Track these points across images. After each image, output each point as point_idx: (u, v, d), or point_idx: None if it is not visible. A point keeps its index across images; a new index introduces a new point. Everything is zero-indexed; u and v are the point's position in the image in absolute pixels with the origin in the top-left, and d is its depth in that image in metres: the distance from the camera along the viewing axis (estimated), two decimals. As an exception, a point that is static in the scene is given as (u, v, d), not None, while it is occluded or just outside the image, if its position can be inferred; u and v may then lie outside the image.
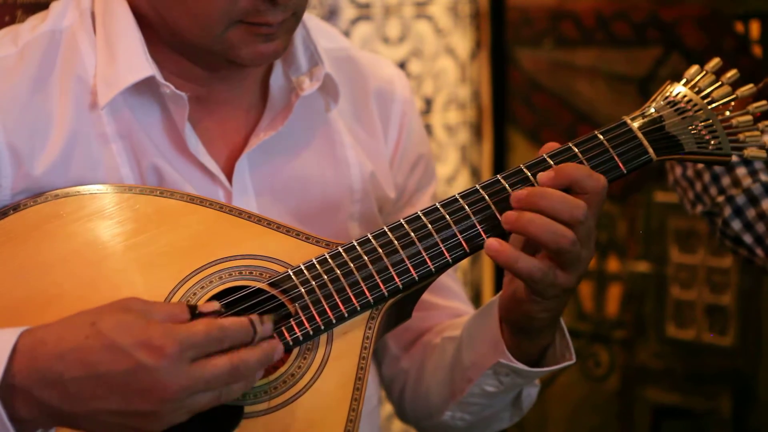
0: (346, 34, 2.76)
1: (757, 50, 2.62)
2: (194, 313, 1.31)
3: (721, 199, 1.98)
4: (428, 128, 2.95)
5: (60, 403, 1.26)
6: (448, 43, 2.97)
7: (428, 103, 2.95)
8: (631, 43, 2.84)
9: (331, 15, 2.73)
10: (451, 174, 3.00)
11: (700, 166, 2.03)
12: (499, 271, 3.10)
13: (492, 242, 1.42)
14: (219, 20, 1.47)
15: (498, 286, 2.95)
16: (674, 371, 2.85)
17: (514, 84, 3.05)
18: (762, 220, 1.94)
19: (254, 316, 1.31)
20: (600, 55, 2.90)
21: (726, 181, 1.99)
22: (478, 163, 3.07)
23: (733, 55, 2.66)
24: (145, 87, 1.54)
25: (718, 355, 2.77)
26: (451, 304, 1.78)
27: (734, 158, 1.50)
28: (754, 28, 2.63)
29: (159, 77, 1.53)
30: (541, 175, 1.44)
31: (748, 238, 1.96)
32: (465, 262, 3.04)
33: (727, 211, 1.97)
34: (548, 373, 1.58)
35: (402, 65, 2.87)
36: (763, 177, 1.97)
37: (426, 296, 1.68)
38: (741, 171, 1.98)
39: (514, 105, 3.06)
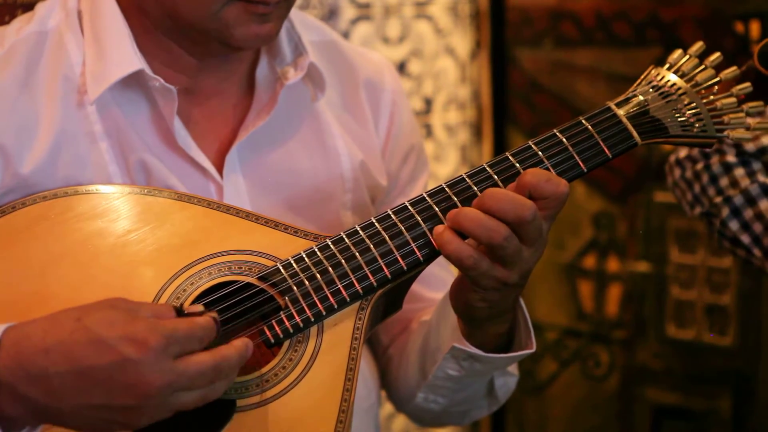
0: (346, 34, 2.76)
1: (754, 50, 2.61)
2: (180, 313, 1.32)
3: (719, 200, 1.98)
4: (428, 128, 2.96)
5: (44, 399, 1.26)
6: (448, 43, 2.98)
7: (428, 103, 2.95)
8: (631, 43, 2.84)
9: (331, 15, 2.74)
10: (451, 174, 3.01)
11: (699, 167, 2.03)
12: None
13: (437, 227, 1.43)
14: None
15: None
16: (674, 371, 2.85)
17: (514, 84, 3.06)
18: (759, 221, 1.94)
19: (213, 314, 1.32)
20: (600, 55, 2.90)
21: (724, 182, 1.99)
22: (478, 163, 3.06)
23: (733, 55, 2.66)
24: (133, 81, 1.55)
25: (718, 355, 2.77)
26: (441, 295, 1.78)
27: (719, 140, 1.51)
28: (754, 28, 2.63)
29: (148, 70, 1.53)
30: (492, 191, 1.43)
31: (745, 239, 1.96)
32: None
33: (725, 211, 1.97)
34: (509, 360, 1.58)
35: (402, 65, 2.88)
36: (761, 178, 1.97)
37: (416, 287, 1.68)
38: (739, 172, 1.98)
39: (514, 105, 3.06)
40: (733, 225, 1.96)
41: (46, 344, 1.26)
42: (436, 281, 1.78)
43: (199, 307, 1.34)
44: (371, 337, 1.82)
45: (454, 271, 1.60)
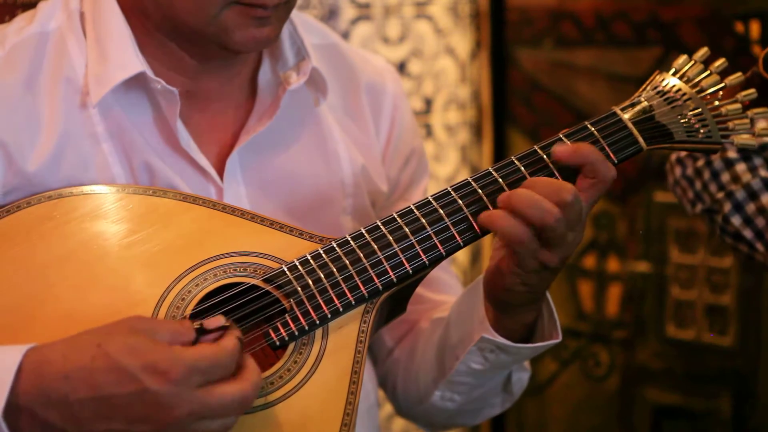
0: (346, 34, 2.76)
1: (757, 50, 2.61)
2: (200, 329, 1.31)
3: (720, 195, 1.98)
4: (428, 128, 2.96)
5: (63, 424, 1.26)
6: (448, 43, 2.97)
7: (428, 103, 2.95)
8: (631, 43, 2.84)
9: (331, 15, 2.74)
10: (451, 174, 3.00)
11: (700, 163, 2.03)
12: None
13: (485, 212, 1.45)
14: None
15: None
16: (674, 371, 2.85)
17: (514, 84, 3.05)
18: (762, 215, 1.94)
19: (237, 332, 1.31)
20: (600, 55, 2.90)
21: (725, 177, 1.99)
22: (478, 163, 3.07)
23: (733, 55, 2.66)
24: (135, 84, 1.55)
25: (718, 355, 2.77)
26: (446, 298, 1.79)
27: (724, 146, 1.51)
28: (754, 28, 2.63)
29: (149, 73, 1.53)
30: (557, 147, 1.46)
31: (748, 233, 1.96)
32: (465, 262, 3.04)
33: (727, 206, 1.97)
34: (534, 351, 1.59)
35: (402, 65, 2.87)
36: (762, 172, 1.97)
37: (420, 290, 1.68)
38: (740, 167, 1.98)
39: (514, 105, 3.06)
40: (736, 220, 1.96)
41: (66, 370, 1.25)
42: (440, 284, 1.78)
43: (220, 320, 1.32)
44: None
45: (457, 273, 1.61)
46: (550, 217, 1.41)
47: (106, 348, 1.25)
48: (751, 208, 1.95)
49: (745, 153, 2.00)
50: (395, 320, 1.60)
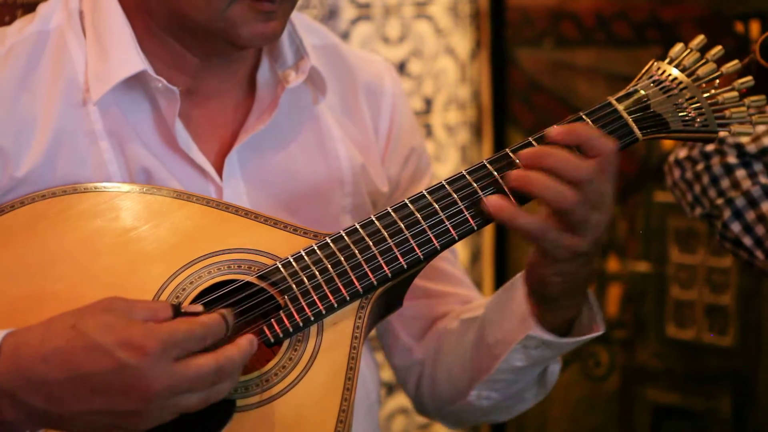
0: (346, 34, 2.76)
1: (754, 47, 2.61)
2: (178, 311, 1.31)
3: (720, 201, 1.97)
4: (428, 128, 2.96)
5: (45, 405, 1.26)
6: (448, 43, 2.98)
7: (428, 103, 2.95)
8: (631, 43, 2.84)
9: (331, 15, 2.74)
10: (451, 174, 2.99)
11: (699, 167, 2.02)
12: (500, 270, 3.10)
13: (493, 199, 1.42)
14: None
15: (498, 286, 2.94)
16: (674, 371, 2.85)
17: (514, 84, 3.05)
18: (762, 223, 1.94)
19: (223, 310, 1.31)
20: (600, 55, 2.90)
21: (725, 183, 1.98)
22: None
23: (733, 55, 2.66)
24: (135, 82, 1.55)
25: (718, 355, 2.77)
26: (458, 291, 1.79)
27: (721, 134, 1.50)
28: (754, 28, 2.63)
29: (151, 71, 1.54)
30: (550, 130, 1.44)
31: (747, 241, 1.95)
32: (465, 261, 3.04)
33: (727, 213, 1.96)
34: (576, 345, 1.57)
35: (402, 65, 2.88)
36: (762, 179, 1.96)
37: (432, 285, 1.71)
38: (740, 173, 1.97)
39: (514, 105, 3.06)
40: (735, 227, 1.95)
41: (43, 351, 1.26)
42: (450, 277, 1.78)
43: (198, 308, 1.33)
44: (382, 338, 1.82)
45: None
46: (566, 201, 1.39)
47: (81, 328, 1.26)
48: (750, 215, 1.94)
49: (745, 159, 1.99)
50: (408, 316, 1.60)
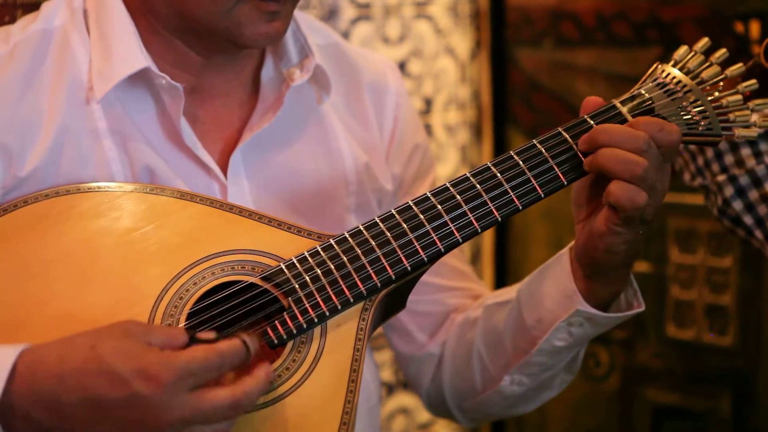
0: (346, 34, 2.76)
1: (757, 50, 2.61)
2: (192, 337, 1.31)
3: (722, 178, 1.96)
4: (428, 128, 2.96)
5: (56, 425, 1.26)
6: (448, 43, 2.97)
7: (428, 103, 2.95)
8: (631, 43, 2.84)
9: (331, 15, 2.74)
10: (451, 174, 3.00)
11: None
12: (500, 270, 3.10)
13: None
14: None
15: (498, 286, 2.94)
16: (674, 371, 2.85)
17: (514, 84, 3.05)
18: (764, 203, 1.93)
19: (245, 336, 1.30)
20: (600, 55, 2.90)
21: (729, 159, 1.97)
22: (478, 163, 3.07)
23: (733, 56, 2.66)
24: (139, 80, 1.55)
25: (718, 355, 2.77)
26: (467, 285, 1.80)
27: (724, 139, 1.50)
28: (754, 28, 2.62)
29: (154, 68, 1.54)
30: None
31: (748, 220, 1.94)
32: (465, 262, 3.04)
33: (729, 191, 1.95)
34: (619, 321, 1.59)
35: (402, 65, 2.87)
36: (767, 159, 1.96)
37: (442, 280, 1.72)
38: (745, 151, 1.96)
39: (514, 105, 3.06)
40: (737, 205, 1.95)
41: (60, 371, 1.26)
42: (457, 273, 1.79)
43: (211, 335, 1.32)
44: (390, 335, 1.82)
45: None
46: (638, 168, 1.42)
47: (99, 350, 1.26)
48: (753, 194, 1.94)
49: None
50: (420, 312, 1.60)
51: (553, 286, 1.59)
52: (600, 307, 1.56)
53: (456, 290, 1.78)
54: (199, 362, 1.26)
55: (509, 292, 1.69)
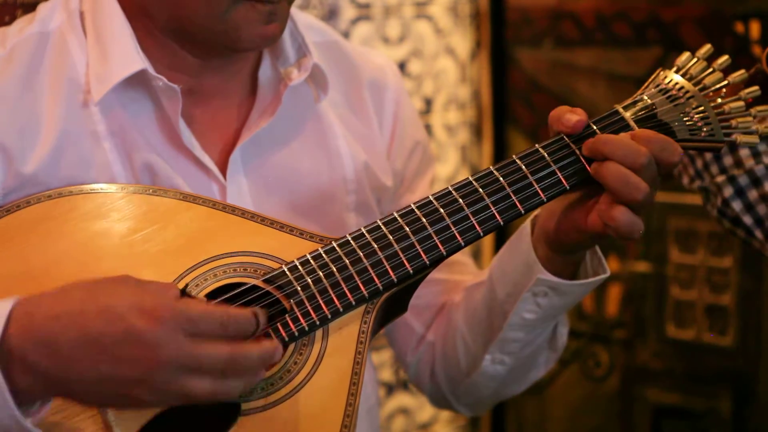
0: (346, 34, 2.76)
1: (757, 50, 2.61)
2: (183, 291, 1.33)
3: (721, 178, 1.97)
4: (428, 128, 2.96)
5: (52, 366, 1.26)
6: (448, 43, 2.97)
7: (428, 103, 2.95)
8: (631, 43, 2.84)
9: (331, 15, 2.74)
10: (451, 174, 3.00)
11: None
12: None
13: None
14: None
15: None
16: (674, 371, 2.85)
17: (514, 84, 3.05)
18: (764, 202, 1.93)
19: (257, 309, 1.31)
20: (600, 55, 2.90)
21: (728, 160, 1.97)
22: (478, 163, 3.07)
23: (733, 55, 2.66)
24: (137, 82, 1.55)
25: (718, 355, 2.77)
26: (467, 278, 1.80)
27: (726, 145, 1.51)
28: (754, 28, 2.63)
29: (151, 70, 1.54)
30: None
31: (747, 220, 1.95)
32: (465, 262, 3.04)
33: (728, 191, 1.96)
34: (584, 289, 1.60)
35: (402, 65, 2.87)
36: (766, 159, 1.96)
37: (444, 275, 1.74)
38: (744, 152, 1.97)
39: (514, 105, 3.06)
40: (736, 205, 1.95)
41: (56, 311, 1.27)
42: (459, 265, 1.80)
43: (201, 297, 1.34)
44: (392, 333, 1.82)
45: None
46: (643, 157, 1.43)
47: (95, 292, 1.27)
48: (753, 194, 1.94)
49: None
50: (421, 306, 1.60)
51: (519, 257, 1.60)
52: (564, 276, 1.57)
53: (458, 283, 1.79)
54: (198, 311, 1.26)
55: (485, 273, 1.71)
